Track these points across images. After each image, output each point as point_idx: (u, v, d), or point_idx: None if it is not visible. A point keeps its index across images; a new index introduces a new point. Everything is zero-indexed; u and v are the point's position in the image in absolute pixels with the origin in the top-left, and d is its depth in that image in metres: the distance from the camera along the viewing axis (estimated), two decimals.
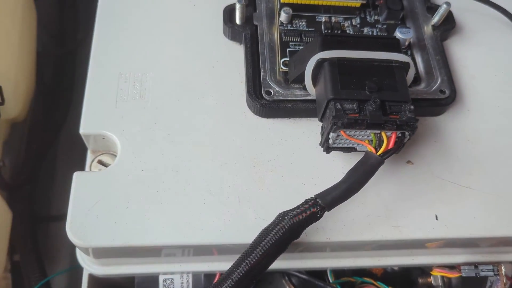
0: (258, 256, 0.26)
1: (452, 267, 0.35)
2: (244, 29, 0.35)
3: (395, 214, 0.31)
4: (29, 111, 0.54)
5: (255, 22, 0.36)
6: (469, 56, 0.38)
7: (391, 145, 0.28)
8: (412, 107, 0.28)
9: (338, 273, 0.38)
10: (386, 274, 0.39)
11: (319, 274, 0.37)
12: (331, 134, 0.29)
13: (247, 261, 0.26)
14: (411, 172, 0.33)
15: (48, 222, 0.56)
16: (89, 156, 0.34)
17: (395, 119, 0.28)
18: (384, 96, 0.29)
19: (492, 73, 0.37)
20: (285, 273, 0.41)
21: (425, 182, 0.32)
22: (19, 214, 0.49)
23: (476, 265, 0.34)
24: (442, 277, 0.38)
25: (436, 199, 0.32)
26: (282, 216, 0.27)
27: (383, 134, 0.28)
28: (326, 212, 0.30)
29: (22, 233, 0.50)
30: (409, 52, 0.36)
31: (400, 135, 0.29)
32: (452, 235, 0.31)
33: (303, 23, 0.36)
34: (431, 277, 0.39)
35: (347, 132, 0.28)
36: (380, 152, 0.28)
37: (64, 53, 0.64)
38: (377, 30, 0.36)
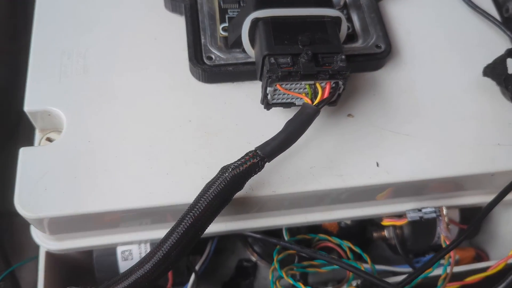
0: (202, 208, 0.27)
1: (400, 216, 0.37)
2: (184, 0, 0.36)
3: (338, 164, 0.32)
4: None
5: None
6: (404, 14, 0.39)
7: (326, 95, 0.30)
8: (343, 57, 0.29)
9: (294, 231, 0.39)
10: (342, 231, 0.41)
11: (275, 233, 0.38)
12: (268, 89, 0.30)
13: (191, 213, 0.27)
14: (352, 124, 0.34)
15: (11, 217, 0.55)
16: (38, 135, 0.35)
17: (327, 69, 0.29)
18: (317, 49, 0.30)
19: (427, 28, 0.39)
20: (246, 240, 0.42)
21: (365, 133, 0.33)
22: None
23: (419, 209, 0.35)
24: (395, 229, 0.40)
25: (376, 148, 0.33)
26: (224, 169, 0.28)
27: (317, 85, 0.29)
28: (272, 166, 0.31)
29: None
30: (345, 12, 0.37)
31: (334, 85, 0.30)
32: (393, 180, 0.32)
33: None
34: (385, 230, 0.41)
35: (283, 86, 0.29)
36: (316, 102, 0.29)
37: (17, 48, 0.63)
38: None
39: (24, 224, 0.34)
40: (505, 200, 0.33)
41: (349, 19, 0.37)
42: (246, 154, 0.28)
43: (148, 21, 0.37)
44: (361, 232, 0.42)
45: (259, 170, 0.28)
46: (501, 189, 0.33)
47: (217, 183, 0.27)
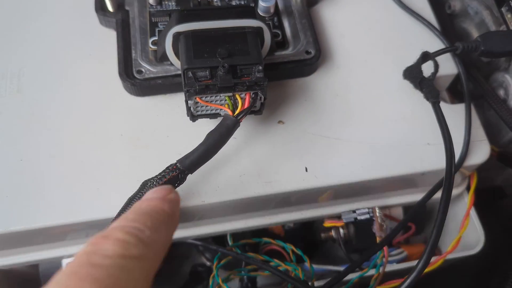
0: None
1: (340, 217, 0.38)
2: (116, 15, 0.37)
3: (267, 171, 0.33)
4: None
5: (126, 8, 0.37)
6: (337, 17, 0.40)
7: (246, 106, 0.30)
8: (260, 67, 0.30)
9: (239, 236, 0.39)
10: (288, 234, 0.41)
11: (222, 239, 0.39)
12: (189, 102, 0.30)
13: None
14: (283, 131, 0.34)
15: None
16: None
17: (245, 80, 0.30)
18: (235, 61, 0.30)
19: (360, 30, 0.39)
20: (197, 246, 0.42)
21: (296, 139, 0.34)
22: None
23: (354, 210, 0.36)
24: (339, 229, 0.41)
25: (306, 153, 0.34)
26: (144, 183, 0.28)
27: (237, 96, 0.30)
28: (200, 176, 0.32)
29: None
30: (275, 19, 0.37)
31: (253, 95, 0.30)
32: (321, 184, 0.33)
33: (173, 3, 0.37)
34: (332, 231, 0.42)
35: (203, 98, 0.30)
36: (236, 113, 0.30)
37: None
38: (245, 2, 0.38)
39: None
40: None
41: (280, 26, 0.37)
42: (167, 168, 0.29)
43: (83, 38, 0.37)
44: (310, 233, 0.43)
45: (181, 183, 0.29)
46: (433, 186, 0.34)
47: (137, 198, 0.28)
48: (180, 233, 0.36)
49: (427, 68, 0.34)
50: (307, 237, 0.43)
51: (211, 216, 0.36)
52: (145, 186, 0.28)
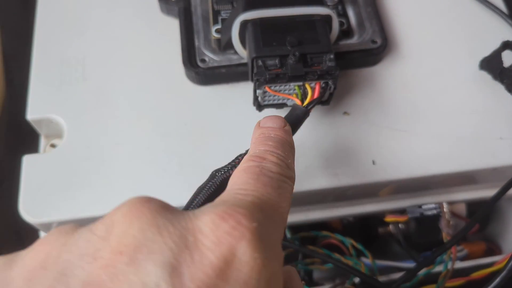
0: None
1: (402, 212, 0.36)
2: (178, 3, 0.36)
3: (333, 163, 0.32)
4: (3, 113, 0.56)
5: None
6: (402, 6, 0.38)
7: (315, 95, 0.29)
8: (332, 56, 0.29)
9: (296, 229, 0.39)
10: (346, 228, 0.40)
11: None
12: (258, 91, 0.30)
13: None
14: (348, 122, 0.34)
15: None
16: (42, 141, 0.36)
17: (316, 69, 0.29)
18: (305, 49, 0.29)
19: (426, 20, 0.38)
20: None
21: (362, 131, 0.33)
22: (1, 209, 0.51)
23: (420, 205, 0.35)
24: (399, 224, 0.40)
25: (373, 145, 0.33)
26: (214, 173, 0.28)
27: (306, 85, 0.29)
28: None
29: (5, 227, 0.52)
30: (340, 7, 0.36)
31: (323, 85, 0.29)
32: (389, 177, 0.32)
33: None
34: (390, 226, 0.41)
35: (272, 88, 0.29)
36: (305, 103, 0.29)
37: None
38: None
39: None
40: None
41: (345, 15, 0.36)
42: (236, 158, 0.28)
43: (144, 25, 0.37)
44: (367, 228, 0.42)
45: None
46: (505, 182, 0.32)
47: (207, 187, 0.28)
48: None
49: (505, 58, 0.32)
50: (364, 231, 0.42)
51: None
52: (215, 176, 0.28)
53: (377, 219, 0.42)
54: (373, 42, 0.35)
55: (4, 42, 0.57)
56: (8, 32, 0.60)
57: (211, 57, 0.34)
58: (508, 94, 0.32)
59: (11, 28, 0.63)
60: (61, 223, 0.31)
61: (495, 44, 0.34)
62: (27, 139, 0.60)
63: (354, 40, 0.35)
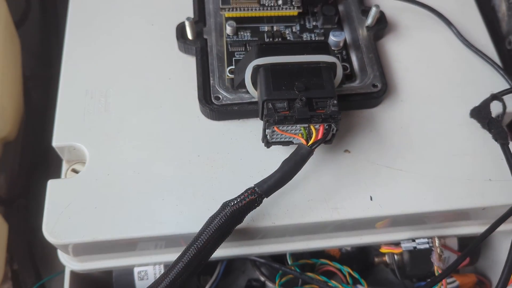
0: (204, 240, 0.30)
1: (397, 244, 0.39)
2: (195, 43, 0.39)
3: (334, 198, 0.35)
4: (20, 131, 0.59)
5: (205, 36, 0.40)
6: (402, 51, 0.41)
7: (319, 136, 0.32)
8: (335, 101, 0.32)
9: (297, 256, 0.41)
10: (343, 256, 0.43)
11: (281, 258, 0.41)
12: (267, 130, 0.33)
13: (194, 245, 0.30)
14: (349, 159, 0.36)
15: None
16: (64, 166, 0.39)
17: (320, 113, 0.32)
18: (311, 94, 0.32)
19: (424, 65, 0.41)
20: (254, 262, 0.44)
21: (361, 168, 0.36)
22: (15, 225, 0.54)
23: (413, 239, 0.37)
24: (394, 255, 0.42)
25: (371, 182, 0.35)
26: (225, 204, 0.31)
27: (311, 127, 0.32)
28: (271, 199, 0.34)
29: (19, 242, 0.54)
30: (344, 52, 0.39)
31: (327, 127, 0.32)
32: (385, 213, 0.34)
33: (248, 34, 0.40)
34: (385, 256, 0.43)
35: (280, 128, 0.32)
36: (310, 143, 0.32)
37: (51, 74, 0.68)
38: (315, 35, 0.40)
39: None
40: (502, 230, 0.35)
41: (348, 60, 0.39)
42: (245, 191, 0.31)
43: (163, 62, 0.40)
44: (363, 257, 0.44)
45: (258, 206, 0.31)
46: (494, 219, 0.35)
47: (218, 217, 0.30)
48: (244, 250, 0.39)
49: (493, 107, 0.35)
50: (361, 260, 0.44)
51: (274, 236, 0.38)
52: (226, 207, 0.31)
53: (373, 249, 0.45)
54: (374, 86, 0.38)
55: (24, 63, 0.61)
56: (28, 53, 0.63)
57: (225, 95, 0.37)
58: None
59: (31, 50, 0.66)
60: (79, 245, 0.34)
61: (486, 92, 0.37)
62: (45, 156, 0.63)
63: (356, 83, 0.38)
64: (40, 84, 0.69)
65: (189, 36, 0.40)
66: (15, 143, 0.60)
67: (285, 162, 0.32)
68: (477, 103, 0.37)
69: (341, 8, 0.42)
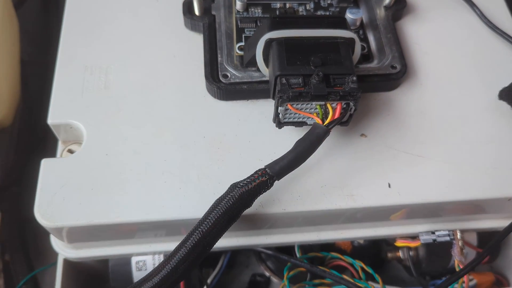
0: (210, 224, 0.27)
1: (414, 237, 0.36)
2: (203, 19, 0.37)
3: (349, 184, 0.32)
4: (16, 117, 0.57)
5: (213, 12, 0.37)
6: (421, 34, 0.39)
7: (336, 116, 0.30)
8: (354, 78, 0.30)
9: (306, 248, 0.39)
10: (355, 250, 0.40)
11: (288, 250, 0.39)
12: (279, 108, 0.30)
13: (199, 229, 0.27)
14: (365, 144, 0.34)
15: (36, 223, 0.57)
16: (60, 146, 0.36)
17: (338, 90, 0.29)
18: (328, 70, 0.30)
19: (444, 48, 0.38)
20: (259, 254, 0.42)
21: (378, 153, 0.33)
22: (7, 214, 0.51)
23: (433, 231, 0.35)
24: (409, 250, 0.39)
25: (389, 168, 0.33)
26: (233, 186, 0.28)
27: (328, 105, 0.30)
28: (282, 184, 0.32)
29: (11, 232, 0.52)
30: (361, 32, 0.37)
31: (345, 105, 0.30)
32: (404, 202, 0.32)
33: (259, 10, 0.38)
34: (399, 251, 0.40)
35: (294, 106, 0.30)
36: (326, 122, 0.30)
37: (49, 60, 0.66)
38: (330, 13, 0.38)
39: (47, 231, 0.35)
40: None
41: (365, 39, 0.37)
42: (255, 172, 0.29)
43: (168, 39, 0.38)
44: (376, 252, 0.42)
45: (268, 189, 0.29)
46: None
47: (225, 200, 0.28)
48: (250, 240, 0.36)
49: None
50: (373, 255, 0.42)
51: (283, 225, 0.35)
52: (234, 188, 0.28)
53: (385, 242, 0.42)
54: (393, 67, 0.36)
55: (22, 48, 0.58)
56: (27, 38, 0.61)
57: (233, 73, 0.34)
58: None
59: (30, 34, 0.64)
60: (74, 228, 0.31)
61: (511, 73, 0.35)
62: (40, 144, 0.61)
63: (374, 64, 0.36)
64: (38, 70, 0.67)
65: (196, 12, 0.37)
66: (10, 128, 0.57)
67: (299, 142, 0.29)
68: (502, 86, 0.35)
69: None
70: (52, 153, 0.38)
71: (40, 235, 0.57)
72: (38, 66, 0.66)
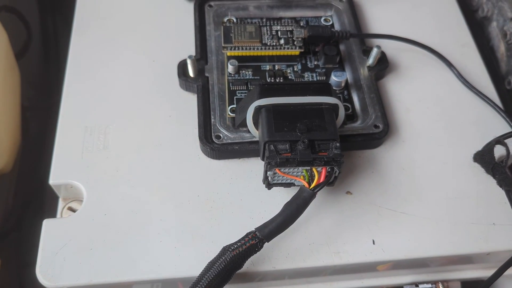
0: (204, 286, 0.29)
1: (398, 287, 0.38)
2: (196, 81, 0.39)
3: (335, 241, 0.34)
4: (16, 163, 0.58)
5: (206, 74, 0.40)
6: (403, 92, 0.41)
7: (322, 179, 0.32)
8: (338, 144, 0.32)
9: None
10: None
11: None
12: (268, 173, 0.32)
13: None
14: (350, 201, 0.36)
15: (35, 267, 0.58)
16: (60, 204, 0.38)
17: (323, 156, 0.31)
18: (313, 136, 0.32)
19: (425, 106, 0.41)
20: None
21: (363, 210, 0.35)
22: (6, 261, 0.52)
23: (416, 284, 0.36)
24: None
25: (373, 225, 0.35)
26: (225, 249, 0.30)
27: (314, 169, 0.32)
28: (272, 242, 0.33)
29: (10, 280, 0.53)
30: (346, 93, 0.39)
31: (329, 169, 0.32)
32: (388, 258, 0.34)
33: (249, 73, 0.40)
34: None
35: (282, 170, 0.32)
36: (312, 186, 0.32)
37: (50, 104, 0.68)
38: (317, 74, 0.40)
39: None
40: (508, 274, 0.34)
41: (350, 100, 0.39)
42: (246, 235, 0.30)
43: (164, 99, 0.40)
44: None
45: (258, 250, 0.30)
46: (500, 263, 0.34)
47: (218, 262, 0.29)
48: None
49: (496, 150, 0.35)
50: None
51: (274, 278, 0.37)
52: (226, 251, 0.30)
53: None
54: (376, 126, 0.38)
55: (23, 93, 0.60)
56: (28, 84, 0.63)
57: (226, 134, 0.37)
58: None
59: (30, 80, 0.66)
60: None
61: (488, 133, 0.37)
62: (37, 194, 0.62)
63: (358, 124, 0.38)
64: (39, 114, 0.69)
65: (191, 73, 0.40)
66: (10, 175, 0.59)
67: (287, 205, 0.31)
68: (479, 144, 0.37)
69: (342, 47, 0.42)
70: (51, 199, 0.39)
71: (38, 283, 0.58)
72: (39, 110, 0.69)
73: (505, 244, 0.34)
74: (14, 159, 0.57)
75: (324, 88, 0.35)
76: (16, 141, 0.58)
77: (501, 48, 0.48)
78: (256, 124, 0.35)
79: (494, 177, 0.34)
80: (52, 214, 0.37)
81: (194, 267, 0.32)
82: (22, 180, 0.61)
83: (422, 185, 0.37)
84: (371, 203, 0.36)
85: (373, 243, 0.34)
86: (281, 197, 0.35)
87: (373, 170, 0.37)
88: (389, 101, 0.41)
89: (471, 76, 0.42)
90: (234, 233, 0.32)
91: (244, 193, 0.36)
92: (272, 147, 0.31)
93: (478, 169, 0.36)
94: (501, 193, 0.35)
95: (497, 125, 0.39)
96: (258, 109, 0.34)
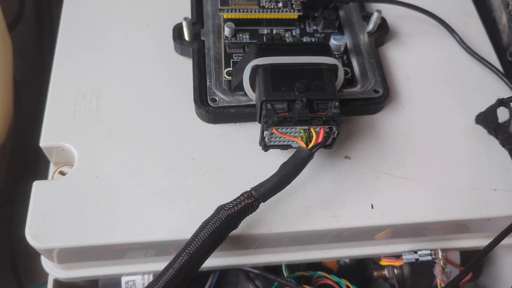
0: (197, 246, 0.28)
1: (398, 256, 0.37)
2: (192, 44, 0.38)
3: (333, 205, 0.33)
4: (8, 136, 0.57)
5: (202, 38, 0.39)
6: (403, 59, 0.41)
7: (320, 139, 0.31)
8: (337, 103, 0.31)
9: (293, 268, 0.39)
10: (341, 269, 0.41)
11: (276, 269, 0.39)
12: (265, 132, 0.31)
13: (186, 251, 0.28)
14: (349, 166, 0.35)
15: (27, 242, 0.58)
16: (51, 168, 0.37)
17: (321, 115, 0.30)
18: (312, 95, 0.31)
19: (426, 73, 0.40)
20: (248, 273, 0.43)
21: (361, 175, 0.35)
22: None
23: (415, 251, 0.36)
24: (393, 268, 0.40)
25: (372, 190, 0.34)
26: (219, 208, 0.29)
27: (312, 129, 0.31)
28: (268, 206, 0.33)
29: (1, 252, 0.52)
30: (345, 57, 0.38)
31: (328, 130, 0.31)
32: (386, 222, 0.33)
33: (247, 36, 0.39)
34: (385, 269, 0.41)
35: (279, 130, 0.31)
36: (310, 146, 0.31)
37: (43, 80, 0.67)
38: (316, 39, 0.39)
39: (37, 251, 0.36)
40: (506, 244, 0.34)
41: (349, 64, 0.38)
42: (241, 195, 0.30)
43: (158, 63, 0.39)
44: (362, 270, 0.43)
45: (254, 210, 0.30)
46: (498, 232, 0.33)
47: (212, 222, 0.29)
48: (237, 260, 0.37)
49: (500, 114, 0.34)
50: (359, 274, 0.42)
51: (270, 245, 0.36)
52: (221, 210, 0.29)
53: (372, 262, 0.43)
54: (375, 91, 0.37)
55: (16, 68, 0.59)
56: (20, 59, 0.62)
57: (222, 97, 0.36)
58: (502, 148, 0.34)
59: (23, 55, 0.65)
60: (64, 250, 0.32)
61: (490, 99, 0.36)
62: (32, 164, 0.61)
63: (357, 88, 0.37)
64: (31, 90, 0.67)
65: (186, 37, 0.39)
66: (2, 148, 0.58)
67: (284, 165, 0.30)
68: (480, 110, 0.36)
69: (341, 13, 0.41)
70: (44, 173, 0.38)
71: (30, 255, 0.57)
72: (32, 86, 0.67)
73: (506, 209, 0.34)
74: (6, 133, 0.56)
75: (323, 49, 0.34)
76: (8, 115, 0.57)
77: (503, 19, 0.47)
78: (253, 85, 0.34)
79: (496, 137, 0.33)
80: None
81: (188, 230, 0.31)
82: (14, 155, 0.60)
83: (422, 150, 0.36)
84: (369, 168, 0.35)
85: (372, 207, 0.33)
86: (278, 160, 0.34)
87: (372, 136, 0.36)
88: (389, 68, 0.40)
89: (473, 44, 0.41)
90: (229, 196, 0.31)
91: (240, 157, 0.35)
92: (269, 106, 0.31)
93: (480, 132, 0.36)
94: (502, 158, 0.34)
95: (500, 92, 0.38)
96: (255, 69, 0.33)
